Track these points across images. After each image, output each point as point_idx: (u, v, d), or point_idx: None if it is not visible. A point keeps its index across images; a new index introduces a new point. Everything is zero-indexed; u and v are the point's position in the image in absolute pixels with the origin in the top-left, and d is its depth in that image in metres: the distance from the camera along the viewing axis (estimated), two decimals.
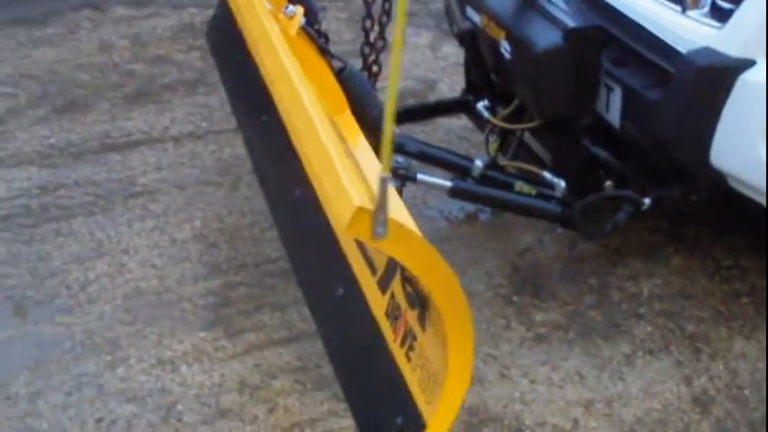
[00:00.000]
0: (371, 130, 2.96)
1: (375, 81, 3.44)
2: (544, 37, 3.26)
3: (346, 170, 2.11)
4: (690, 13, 3.25)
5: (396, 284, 2.45)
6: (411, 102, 4.54)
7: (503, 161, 3.61)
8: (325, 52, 2.99)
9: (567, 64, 3.24)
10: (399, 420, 2.34)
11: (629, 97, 3.35)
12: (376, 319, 2.53)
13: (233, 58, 3.77)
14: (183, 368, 3.20)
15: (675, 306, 3.55)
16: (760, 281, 3.68)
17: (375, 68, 3.43)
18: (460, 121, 4.39)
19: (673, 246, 3.85)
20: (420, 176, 3.36)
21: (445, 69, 5.09)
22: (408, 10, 5.28)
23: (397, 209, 2.05)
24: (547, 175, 3.46)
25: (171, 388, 3.13)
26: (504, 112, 3.63)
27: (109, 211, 3.96)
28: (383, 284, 2.53)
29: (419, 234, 2.01)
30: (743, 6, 3.08)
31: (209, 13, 5.31)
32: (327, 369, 3.14)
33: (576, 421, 3.06)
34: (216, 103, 4.72)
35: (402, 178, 3.27)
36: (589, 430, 3.03)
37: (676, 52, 3.22)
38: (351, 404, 2.66)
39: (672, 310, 3.53)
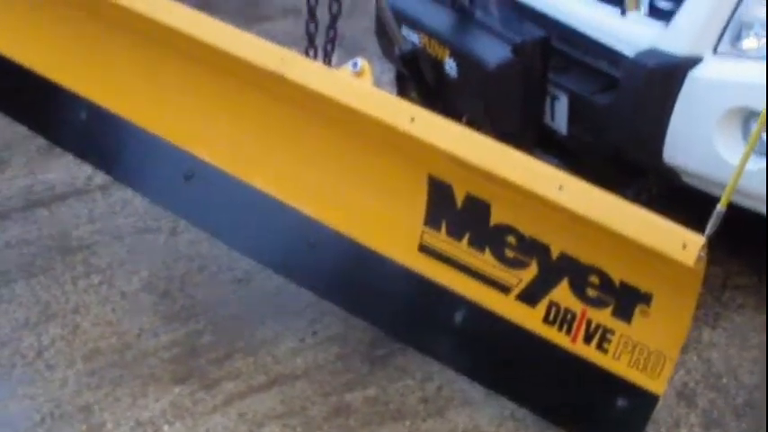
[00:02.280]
0: None
1: None
2: (493, 52, 3.27)
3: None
4: (630, 15, 3.28)
5: (558, 293, 2.74)
6: None
7: None
8: None
9: (517, 78, 3.26)
10: (621, 402, 2.73)
11: (576, 104, 3.38)
12: (531, 330, 2.79)
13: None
14: (165, 428, 3.11)
15: None
16: (710, 269, 3.73)
17: None
18: None
19: None
20: None
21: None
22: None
23: None
24: None
25: None
26: None
27: (49, 271, 3.81)
28: (529, 297, 2.79)
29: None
30: (685, 5, 3.15)
31: None
32: (314, 410, 3.11)
33: None
34: None
35: None
36: None
37: (621, 55, 3.25)
38: (546, 413, 2.94)
39: None
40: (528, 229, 2.74)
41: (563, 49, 3.42)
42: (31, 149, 4.64)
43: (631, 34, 3.26)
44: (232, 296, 3.63)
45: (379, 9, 3.48)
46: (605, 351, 2.71)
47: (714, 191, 3.21)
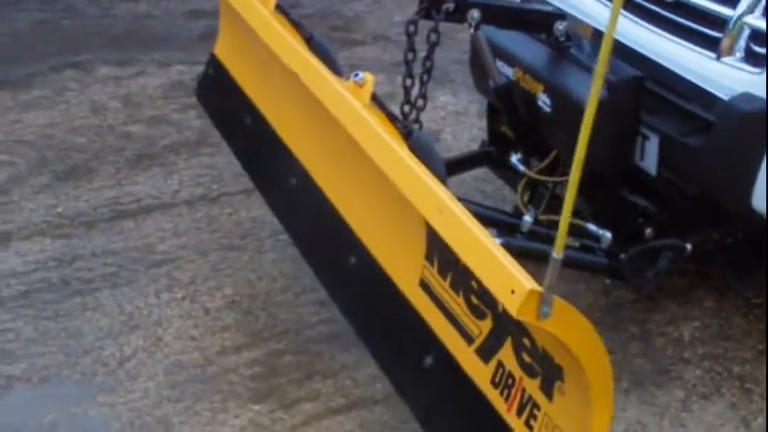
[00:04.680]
0: None
1: None
2: (588, 89, 3.25)
3: (496, 248, 2.18)
4: (725, 59, 3.26)
5: (504, 354, 2.45)
6: None
7: (536, 214, 3.59)
8: (392, 117, 2.96)
9: (610, 115, 3.24)
10: None
11: (667, 145, 3.36)
12: (479, 388, 2.52)
13: (241, 120, 3.73)
14: None
15: (718, 348, 3.58)
16: None
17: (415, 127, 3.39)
18: (473, 173, 4.37)
19: (702, 287, 3.88)
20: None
21: (446, 119, 5.08)
22: (398, 59, 5.27)
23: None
24: (591, 226, 3.45)
25: None
26: (539, 164, 3.61)
27: (134, 282, 3.87)
28: (484, 353, 2.52)
29: (579, 313, 2.08)
30: None
31: (198, 69, 5.29)
32: None
33: None
34: (223, 163, 4.65)
35: None
36: None
37: (716, 99, 3.23)
38: None
39: (715, 353, 3.56)
40: None
41: (655, 89, 3.41)
42: (119, 161, 4.73)
43: (726, 78, 3.24)
44: (314, 318, 3.66)
45: (475, 42, 3.49)
46: (531, 429, 2.37)
47: None
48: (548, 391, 2.31)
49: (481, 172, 4.38)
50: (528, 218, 3.45)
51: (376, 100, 2.90)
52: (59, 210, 4.35)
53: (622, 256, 3.41)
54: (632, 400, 3.33)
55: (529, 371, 2.37)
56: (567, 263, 3.51)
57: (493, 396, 2.48)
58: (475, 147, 4.59)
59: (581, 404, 2.20)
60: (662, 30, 3.44)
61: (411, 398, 2.79)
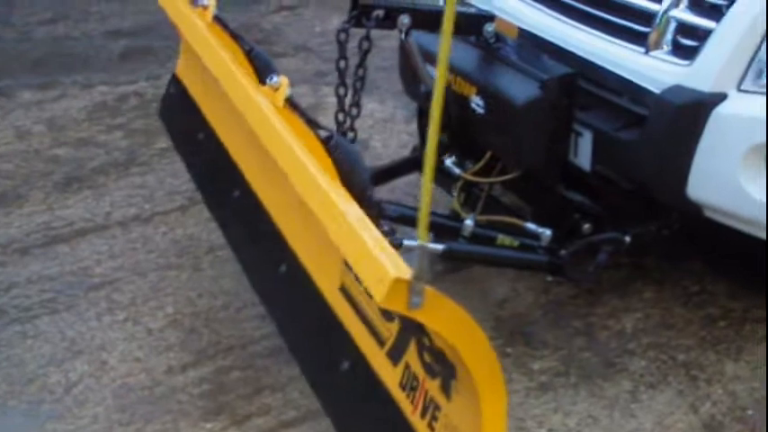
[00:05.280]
0: (359, 199, 2.92)
1: None
2: (521, 89, 3.30)
3: (375, 240, 2.08)
4: (653, 53, 3.32)
5: (410, 355, 2.42)
6: None
7: (473, 215, 3.61)
8: (310, 122, 2.94)
9: (545, 114, 3.28)
10: None
11: (600, 140, 3.41)
12: (389, 392, 2.50)
13: (194, 135, 3.71)
14: None
15: (661, 338, 3.62)
16: (730, 303, 3.79)
17: (350, 135, 3.40)
18: (404, 178, 4.37)
19: (641, 279, 3.93)
20: (406, 242, 3.33)
21: (374, 127, 5.10)
22: (320, 70, 5.26)
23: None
24: (530, 225, 3.49)
25: None
26: (474, 167, 3.64)
27: (73, 307, 3.82)
28: (394, 356, 2.49)
29: (454, 302, 1.98)
30: (709, 43, 3.18)
31: (121, 90, 5.28)
32: None
33: None
34: (154, 182, 4.62)
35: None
36: None
37: (647, 92, 3.28)
38: None
39: (659, 342, 3.60)
40: None
41: (586, 86, 3.45)
42: (47, 185, 4.66)
43: (656, 71, 3.29)
44: (257, 333, 3.64)
45: (405, 47, 3.50)
46: (432, 431, 2.32)
47: (737, 225, 3.25)
48: (447, 390, 2.27)
49: (413, 177, 4.39)
50: (469, 222, 3.47)
51: (292, 104, 2.88)
52: None
53: (562, 252, 3.45)
54: (582, 395, 3.36)
55: (430, 371, 2.34)
56: (508, 263, 3.59)
57: (400, 398, 2.45)
58: (404, 153, 4.61)
59: (472, 401, 2.13)
60: (591, 27, 3.49)
61: (327, 402, 2.77)
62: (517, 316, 3.73)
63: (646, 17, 3.33)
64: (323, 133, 2.91)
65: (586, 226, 3.51)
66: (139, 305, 3.82)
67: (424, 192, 1.89)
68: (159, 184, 4.58)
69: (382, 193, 4.32)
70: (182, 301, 3.83)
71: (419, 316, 1.95)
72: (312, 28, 6.43)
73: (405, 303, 1.91)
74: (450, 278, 3.92)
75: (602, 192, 3.55)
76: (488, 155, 3.60)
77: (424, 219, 1.90)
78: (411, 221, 3.61)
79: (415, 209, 3.74)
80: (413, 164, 4.02)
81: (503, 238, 3.49)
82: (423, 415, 2.35)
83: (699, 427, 3.24)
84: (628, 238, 3.50)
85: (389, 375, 2.50)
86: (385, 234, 3.10)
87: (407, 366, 2.44)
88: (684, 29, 3.26)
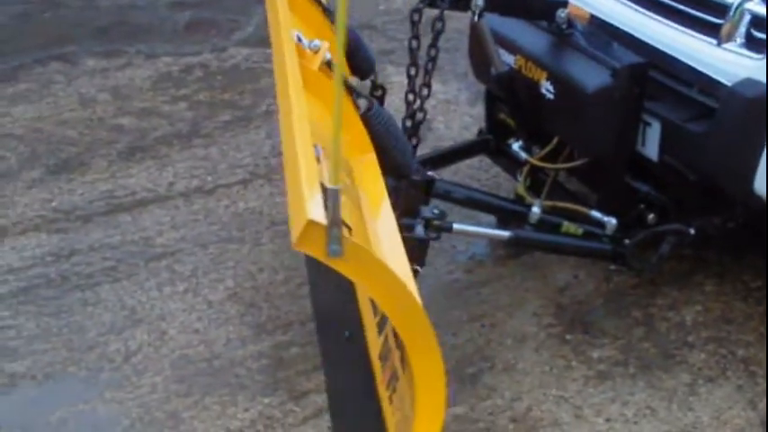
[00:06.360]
0: (396, 174, 2.90)
1: (418, 128, 3.40)
2: (593, 76, 3.27)
3: (309, 181, 1.93)
4: (726, 45, 3.28)
5: (389, 326, 2.38)
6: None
7: (539, 201, 3.60)
8: (350, 90, 2.90)
9: (615, 102, 3.26)
10: None
11: (669, 131, 3.38)
12: (372, 362, 2.51)
13: None
14: None
15: (721, 332, 3.60)
16: None
17: (419, 116, 3.39)
18: (466, 161, 4.37)
19: (702, 272, 3.90)
20: (457, 227, 3.33)
21: (436, 108, 5.07)
22: (384, 48, 5.26)
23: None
24: (595, 213, 3.47)
25: None
26: (541, 152, 3.62)
27: (134, 276, 3.85)
28: (381, 327, 2.50)
29: (377, 255, 1.88)
30: None
31: (185, 61, 5.30)
32: None
33: None
34: (217, 155, 4.64)
35: (437, 229, 3.22)
36: None
37: (718, 85, 3.25)
38: None
39: (718, 336, 3.58)
40: None
41: (657, 76, 3.42)
42: (111, 153, 4.69)
43: (728, 64, 3.25)
44: None
45: (477, 30, 3.48)
46: (390, 402, 2.30)
47: None
48: (403, 362, 2.21)
49: (475, 160, 4.39)
50: (536, 209, 3.46)
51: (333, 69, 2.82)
52: (54, 204, 4.32)
53: (626, 241, 3.43)
54: (640, 385, 3.35)
55: (397, 342, 2.28)
56: (573, 251, 3.57)
57: (377, 369, 2.46)
58: (467, 135, 4.62)
59: (410, 377, 1.99)
60: (663, 16, 3.45)
61: (327, 370, 2.86)
62: (577, 303, 3.72)
63: (719, 9, 3.29)
64: (363, 103, 2.86)
65: (651, 216, 3.49)
66: (200, 277, 3.84)
67: (334, 136, 1.75)
68: (222, 157, 4.60)
69: (446, 174, 4.31)
70: (242, 274, 3.85)
71: (338, 265, 1.83)
72: (376, 6, 6.41)
73: (322, 250, 1.80)
74: (511, 263, 3.92)
75: (669, 183, 3.51)
76: (555, 140, 3.58)
77: (338, 163, 1.77)
78: (480, 206, 3.62)
79: (486, 193, 3.78)
80: (480, 146, 4.01)
81: (567, 225, 3.48)
82: (388, 386, 2.35)
83: (757, 423, 3.22)
84: (692, 230, 3.47)
85: (374, 346, 2.52)
86: (432, 218, 3.13)
87: (387, 338, 2.45)
88: (758, 22, 3.21)
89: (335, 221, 1.76)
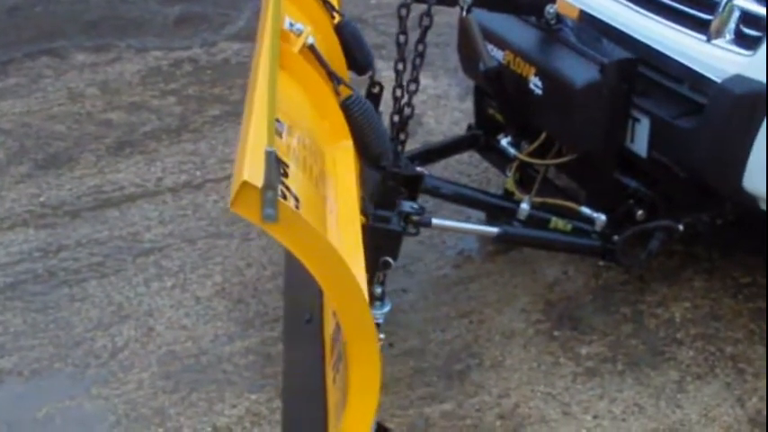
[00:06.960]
0: (373, 164, 2.90)
1: (406, 123, 3.39)
2: (581, 72, 3.27)
3: (256, 149, 1.87)
4: (715, 41, 3.27)
5: None
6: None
7: (528, 198, 3.59)
8: (332, 77, 2.88)
9: (604, 98, 3.25)
10: None
11: (658, 127, 3.37)
12: (324, 342, 2.50)
13: None
14: None
15: (709, 329, 3.59)
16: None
17: (407, 111, 3.37)
18: (458, 156, 4.36)
19: (691, 268, 3.89)
20: (437, 222, 3.32)
21: (426, 103, 5.07)
22: (375, 43, 5.24)
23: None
24: (584, 209, 3.46)
25: None
26: (530, 147, 3.61)
27: (121, 272, 3.83)
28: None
29: (311, 223, 1.86)
30: None
31: (175, 55, 5.28)
32: (392, 422, 3.11)
33: None
34: (206, 149, 4.63)
35: (416, 225, 3.21)
36: None
37: (707, 81, 3.24)
38: None
39: (707, 333, 3.57)
40: None
41: (646, 72, 3.41)
42: (99, 148, 4.68)
43: (717, 60, 3.25)
44: None
45: (466, 25, 3.47)
46: (334, 382, 2.30)
47: None
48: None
49: (465, 156, 4.38)
50: (525, 206, 3.45)
51: (315, 54, 2.80)
52: (42, 199, 4.31)
53: (615, 237, 3.43)
54: (628, 382, 3.34)
55: None
56: (562, 247, 3.56)
57: (328, 349, 2.46)
58: (457, 130, 4.61)
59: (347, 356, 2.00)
60: (652, 12, 3.45)
61: (287, 352, 2.88)
62: (566, 299, 3.71)
63: (709, 5, 3.28)
64: (341, 87, 2.84)
65: (640, 212, 3.49)
66: (188, 273, 3.83)
67: (268, 96, 1.75)
68: (211, 152, 4.59)
69: (436, 169, 4.31)
70: (230, 270, 3.84)
71: (271, 230, 1.84)
72: (367, 0, 6.40)
73: (257, 213, 1.80)
74: (500, 259, 3.91)
75: (658, 179, 3.51)
76: (544, 136, 3.57)
77: (270, 123, 1.77)
78: (468, 202, 3.62)
79: (474, 189, 3.77)
80: (469, 142, 4.00)
81: (556, 221, 3.47)
82: (334, 366, 2.35)
83: (745, 420, 3.21)
84: (681, 227, 3.46)
85: (328, 327, 2.52)
86: (410, 213, 3.11)
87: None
88: (747, 18, 3.21)
89: (270, 184, 1.74)
